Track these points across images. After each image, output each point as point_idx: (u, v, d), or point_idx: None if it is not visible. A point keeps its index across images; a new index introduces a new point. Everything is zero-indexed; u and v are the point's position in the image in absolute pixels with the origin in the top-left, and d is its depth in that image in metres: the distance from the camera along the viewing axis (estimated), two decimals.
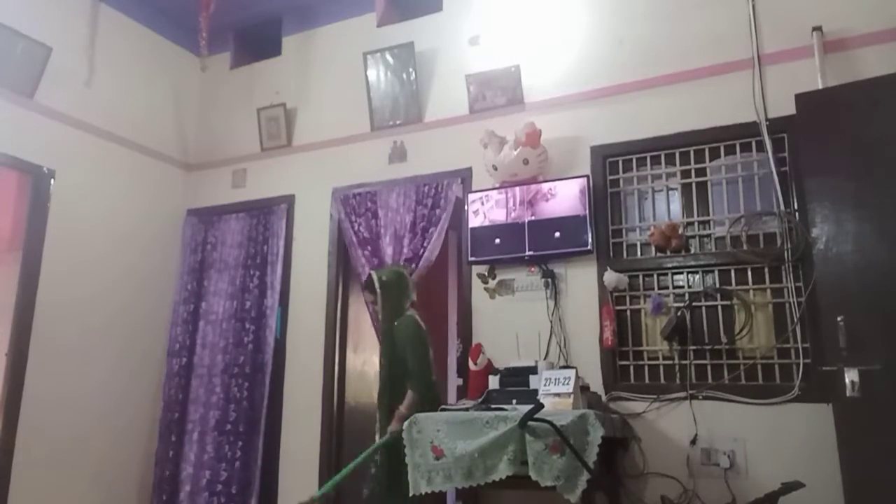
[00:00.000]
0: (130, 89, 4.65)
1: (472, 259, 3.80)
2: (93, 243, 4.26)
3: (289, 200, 4.57)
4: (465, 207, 3.87)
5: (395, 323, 3.45)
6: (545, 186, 3.67)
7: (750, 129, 3.34)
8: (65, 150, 4.16)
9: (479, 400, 3.17)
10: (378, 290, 3.51)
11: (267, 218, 4.60)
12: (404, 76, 4.27)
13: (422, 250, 3.91)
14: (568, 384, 2.91)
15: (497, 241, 3.73)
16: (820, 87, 3.13)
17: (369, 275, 3.63)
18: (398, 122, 4.31)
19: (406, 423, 2.96)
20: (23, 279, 3.88)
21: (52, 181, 4.06)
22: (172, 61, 4.97)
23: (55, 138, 4.11)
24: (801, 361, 3.08)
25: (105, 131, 4.43)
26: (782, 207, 3.23)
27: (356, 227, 4.22)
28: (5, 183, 4.18)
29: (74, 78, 4.28)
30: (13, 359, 3.79)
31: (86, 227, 4.22)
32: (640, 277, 3.50)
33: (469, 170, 3.99)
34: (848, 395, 2.60)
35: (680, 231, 3.42)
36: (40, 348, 3.88)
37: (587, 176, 3.61)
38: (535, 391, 2.98)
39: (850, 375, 2.60)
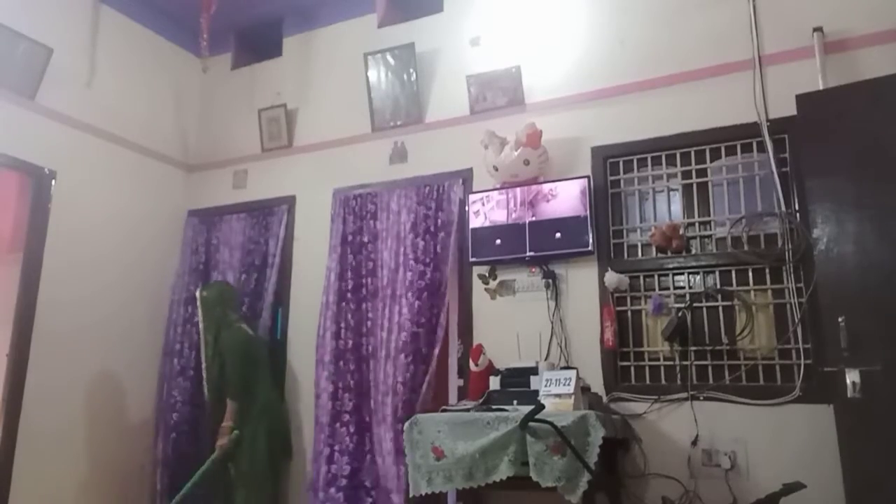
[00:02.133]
0: (131, 90, 4.65)
1: (473, 260, 3.80)
2: (94, 244, 4.26)
3: (289, 201, 4.57)
4: (466, 208, 3.87)
5: (221, 335, 3.93)
6: (546, 187, 3.67)
7: (751, 130, 3.34)
8: (66, 151, 4.16)
9: (480, 401, 3.17)
10: (199, 305, 4.01)
11: (268, 219, 4.60)
12: (405, 77, 4.27)
13: (434, 254, 3.91)
14: (569, 385, 2.91)
15: (498, 241, 3.73)
16: (821, 87, 3.13)
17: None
18: (399, 123, 4.31)
19: (407, 424, 2.96)
20: (24, 280, 3.88)
21: (53, 182, 4.06)
22: (173, 62, 4.98)
23: (56, 139, 4.12)
24: (803, 362, 3.08)
25: (106, 132, 4.43)
26: (783, 208, 3.22)
27: (357, 228, 4.22)
28: (6, 184, 4.19)
29: (75, 79, 4.28)
30: (14, 359, 3.79)
31: (87, 227, 4.22)
32: (641, 278, 3.50)
33: (470, 170, 3.99)
34: (849, 395, 2.60)
35: (681, 232, 3.42)
36: (41, 349, 3.88)
37: (588, 176, 3.61)
38: (536, 392, 2.98)
39: (852, 376, 2.60)
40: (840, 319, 2.66)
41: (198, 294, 4.03)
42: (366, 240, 4.19)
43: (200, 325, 4.03)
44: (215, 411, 3.95)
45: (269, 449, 3.81)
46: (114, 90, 4.52)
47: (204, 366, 4.05)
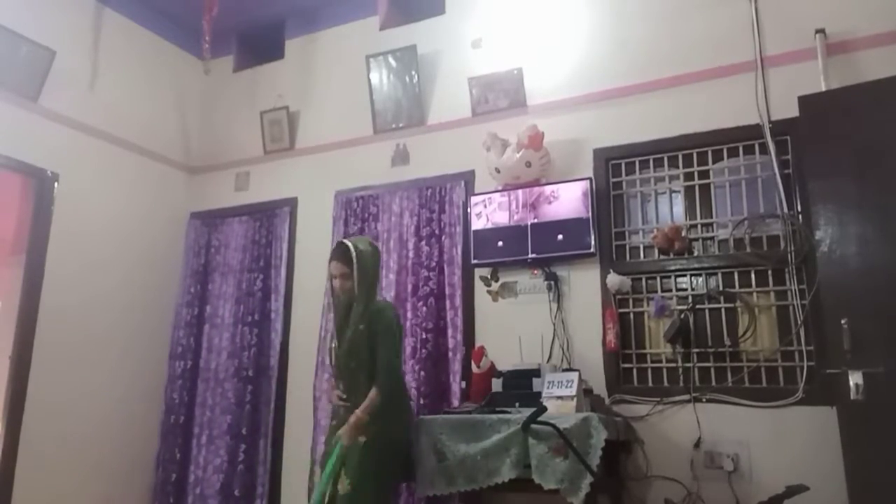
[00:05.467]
0: (134, 92, 4.66)
1: (475, 262, 3.80)
2: (96, 246, 4.27)
3: (291, 203, 4.57)
4: (468, 210, 3.87)
5: (371, 307, 2.99)
6: (548, 189, 3.67)
7: (753, 132, 3.34)
8: (68, 153, 4.17)
9: (482, 403, 3.17)
10: (354, 262, 2.99)
11: (270, 221, 4.60)
12: (407, 79, 4.28)
13: (437, 257, 3.91)
14: (571, 387, 2.91)
15: (500, 243, 3.73)
16: (823, 89, 3.12)
17: (340, 243, 3.12)
18: (401, 125, 4.31)
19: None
20: (26, 282, 3.89)
21: (56, 184, 4.07)
22: (176, 64, 4.98)
23: (59, 141, 4.13)
24: (805, 364, 3.07)
25: (108, 134, 4.44)
26: (786, 210, 3.22)
27: (358, 230, 4.22)
28: (9, 186, 4.18)
29: (78, 81, 4.29)
30: (16, 362, 3.80)
31: (89, 229, 4.23)
32: (643, 280, 3.50)
33: (472, 172, 3.99)
34: (852, 397, 2.59)
35: (683, 233, 3.42)
36: (44, 351, 3.88)
37: (590, 178, 3.61)
38: (538, 394, 2.98)
39: (855, 378, 2.59)
40: (843, 321, 2.65)
41: (351, 248, 3.00)
42: None
43: (354, 287, 2.99)
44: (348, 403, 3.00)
45: (392, 465, 2.93)
46: (116, 92, 4.53)
47: (333, 346, 3.08)
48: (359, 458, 2.81)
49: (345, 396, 3.01)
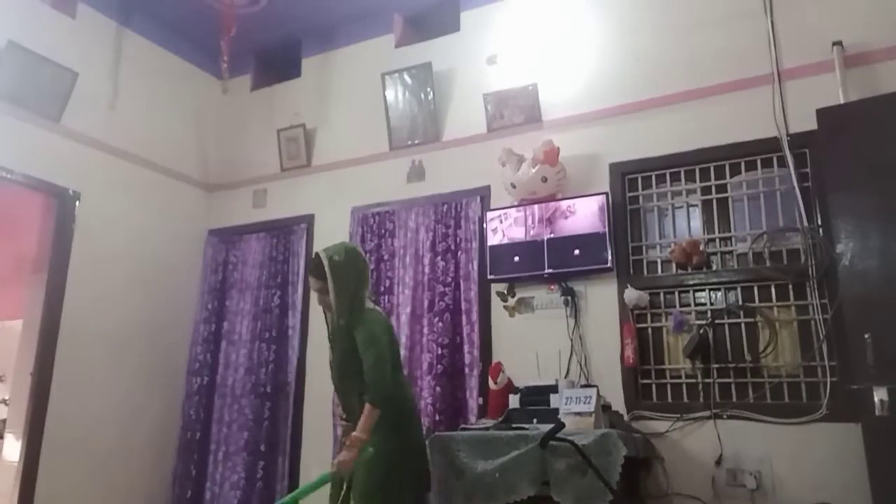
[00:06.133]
0: (154, 112, 4.73)
1: (492, 277, 3.79)
2: (116, 264, 4.32)
3: (308, 220, 4.60)
4: (484, 225, 3.87)
5: (355, 319, 2.82)
6: (564, 204, 3.66)
7: (771, 145, 3.31)
8: (90, 172, 4.24)
9: (500, 419, 3.15)
10: (328, 274, 2.83)
11: (287, 238, 4.63)
12: (422, 96, 4.31)
13: (454, 273, 3.92)
14: (589, 403, 2.88)
15: (516, 258, 3.72)
16: (841, 101, 3.10)
17: (316, 255, 2.96)
18: (416, 142, 4.34)
19: (427, 444, 2.92)
20: (48, 300, 3.94)
21: (77, 203, 4.14)
22: (194, 84, 5.06)
23: (80, 161, 4.19)
24: (829, 380, 3.02)
25: (129, 154, 4.51)
26: (805, 223, 3.19)
27: (375, 246, 4.24)
28: (32, 205, 4.26)
29: (99, 102, 4.37)
30: (38, 378, 3.84)
31: (109, 247, 4.28)
32: (662, 295, 3.47)
33: (487, 188, 4.00)
34: (877, 413, 2.54)
35: (701, 248, 3.39)
36: (64, 368, 3.92)
37: (606, 193, 3.60)
38: (556, 410, 2.96)
39: (879, 394, 2.55)
40: (866, 336, 2.61)
41: (324, 259, 2.86)
42: (384, 257, 4.21)
43: (332, 301, 2.84)
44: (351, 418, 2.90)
45: (405, 480, 2.76)
46: (136, 112, 4.60)
47: (331, 359, 2.98)
48: (363, 476, 2.68)
49: (345, 416, 2.91)
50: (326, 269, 2.84)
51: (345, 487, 2.75)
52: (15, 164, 3.86)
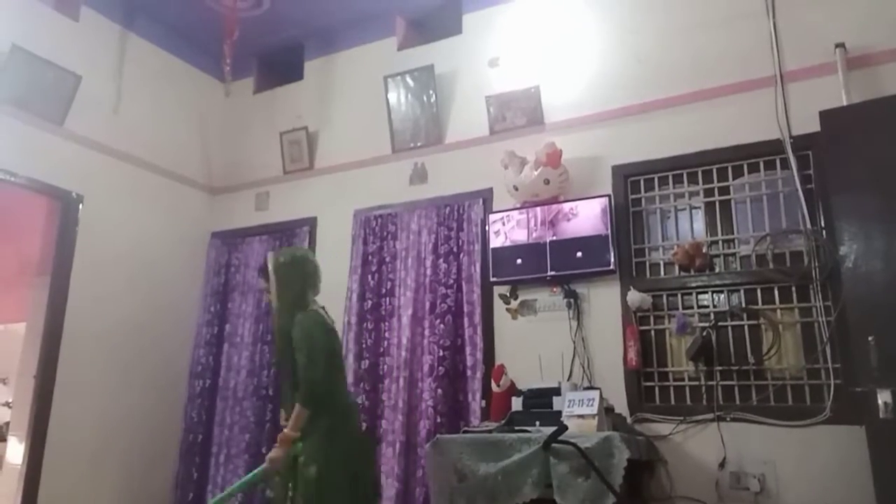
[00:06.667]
0: (157, 115, 4.74)
1: (494, 279, 3.79)
2: (119, 266, 4.32)
3: (311, 222, 4.61)
4: (487, 228, 3.87)
5: (293, 319, 2.87)
6: (566, 206, 3.66)
7: (774, 147, 3.31)
8: (93, 175, 4.24)
9: (503, 422, 3.14)
10: (272, 275, 2.95)
11: (289, 240, 4.63)
12: (425, 98, 4.31)
13: (456, 275, 3.92)
14: (592, 405, 2.88)
15: (519, 261, 3.72)
16: (844, 103, 3.10)
17: (265, 257, 3.09)
18: (419, 144, 4.34)
19: (428, 446, 2.92)
20: (51, 303, 3.95)
21: (81, 206, 4.15)
22: (197, 87, 5.07)
23: (84, 164, 4.20)
24: (832, 382, 3.01)
25: (132, 156, 4.52)
26: (809, 225, 3.18)
27: (377, 249, 4.24)
28: (35, 208, 4.27)
29: (103, 105, 4.38)
30: (41, 381, 3.84)
31: (113, 250, 4.29)
32: (664, 297, 3.47)
33: (490, 190, 4.00)
34: (881, 416, 2.54)
35: (704, 250, 3.39)
36: (67, 370, 3.93)
37: (609, 195, 3.59)
38: (559, 413, 2.95)
39: (883, 396, 2.54)
40: (870, 338, 2.60)
41: (270, 261, 2.98)
42: (386, 260, 4.21)
43: (273, 304, 2.96)
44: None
45: (339, 482, 2.75)
46: (140, 115, 4.61)
47: (274, 360, 3.04)
48: (304, 482, 2.70)
49: (286, 417, 2.84)
50: (270, 270, 2.95)
51: (291, 490, 2.76)
52: (18, 167, 3.87)
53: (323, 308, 3.02)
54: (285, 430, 2.75)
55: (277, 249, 3.00)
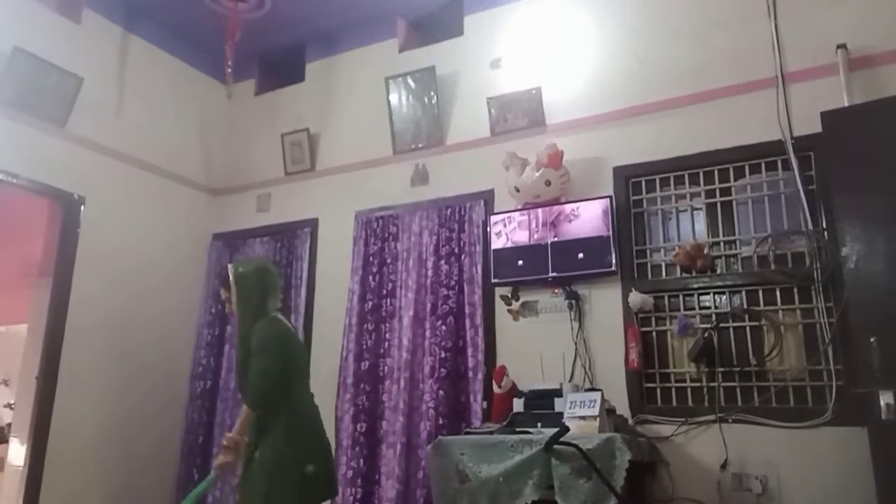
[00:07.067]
0: (158, 117, 4.75)
1: (495, 281, 3.79)
2: (121, 268, 4.33)
3: (312, 224, 4.61)
4: (488, 229, 3.87)
5: (253, 327, 2.94)
6: (568, 207, 3.66)
7: (775, 148, 3.31)
8: (95, 177, 4.25)
9: (504, 423, 3.14)
10: (232, 285, 3.03)
11: (291, 241, 4.64)
12: (426, 100, 4.31)
13: (457, 277, 3.92)
14: (593, 407, 2.87)
15: (520, 262, 3.72)
16: (846, 104, 3.09)
17: (226, 267, 3.18)
18: (420, 146, 4.34)
19: (430, 447, 2.92)
20: (53, 304, 3.95)
21: (82, 207, 4.15)
22: (199, 89, 5.08)
23: (85, 166, 4.21)
24: (834, 383, 3.01)
25: (134, 158, 4.52)
26: (810, 226, 3.18)
27: (378, 250, 4.24)
28: (37, 209, 4.28)
29: (105, 107, 4.39)
30: (43, 382, 3.84)
31: (114, 251, 4.29)
32: (666, 298, 3.46)
33: (491, 192, 4.00)
34: (883, 417, 2.53)
35: (705, 251, 3.38)
36: (69, 372, 3.93)
37: (610, 196, 3.59)
38: (561, 414, 2.94)
39: (885, 398, 2.53)
40: (872, 339, 2.59)
41: (231, 271, 3.07)
42: (388, 261, 4.21)
43: (235, 310, 3.06)
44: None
45: (300, 483, 2.78)
46: (141, 117, 4.62)
47: (237, 365, 3.13)
48: (256, 481, 2.76)
49: None
50: (231, 280, 3.04)
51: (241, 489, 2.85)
52: (20, 168, 3.87)
53: (280, 312, 3.11)
54: (229, 434, 2.84)
55: (236, 259, 3.07)
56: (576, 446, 2.56)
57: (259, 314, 2.99)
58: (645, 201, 3.64)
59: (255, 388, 2.83)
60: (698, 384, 3.28)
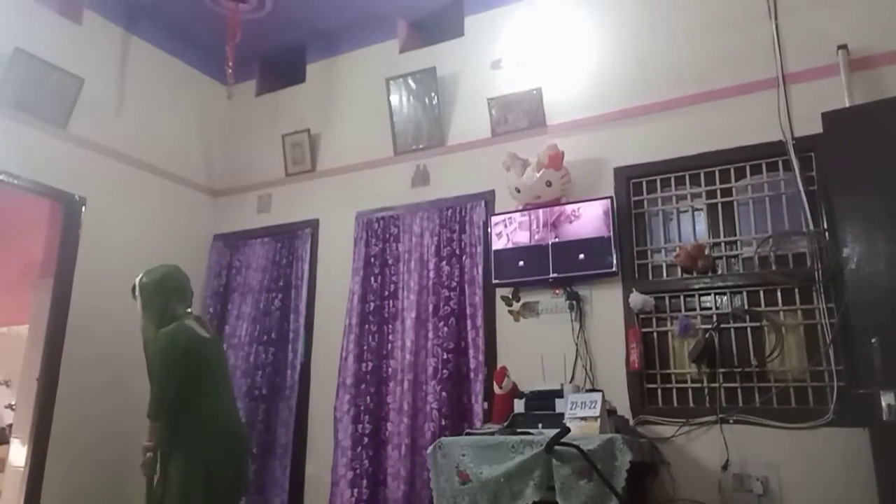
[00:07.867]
0: (159, 118, 4.75)
1: (496, 281, 3.79)
2: (122, 269, 4.27)
3: (313, 225, 4.61)
4: (489, 230, 3.87)
5: (155, 335, 3.05)
6: (569, 208, 3.66)
7: (776, 149, 3.31)
8: (95, 177, 4.25)
9: (505, 424, 3.14)
10: (137, 294, 3.15)
11: (291, 242, 4.64)
12: (427, 100, 4.31)
13: (458, 277, 3.92)
14: (594, 408, 2.87)
15: (521, 263, 3.72)
16: (847, 105, 3.09)
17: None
18: (421, 146, 4.34)
19: (431, 448, 2.93)
20: (54, 305, 3.95)
21: (83, 208, 4.15)
22: (200, 90, 5.08)
23: (86, 166, 4.21)
24: (836, 384, 3.00)
25: (134, 159, 4.52)
26: (811, 227, 3.18)
27: (379, 251, 4.24)
28: (38, 210, 4.28)
29: (105, 108, 4.39)
30: (44, 383, 3.84)
31: (115, 252, 4.28)
32: (667, 299, 3.46)
33: (492, 192, 4.00)
34: (885, 418, 2.53)
35: (706, 252, 3.38)
36: (70, 373, 3.93)
37: (611, 197, 3.59)
38: (562, 415, 2.94)
39: (887, 399, 2.53)
40: (873, 340, 2.59)
41: (136, 282, 3.19)
42: (389, 262, 4.21)
43: (142, 320, 3.16)
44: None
45: (206, 486, 2.90)
46: (142, 118, 4.62)
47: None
48: (163, 486, 2.95)
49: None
50: (136, 290, 3.18)
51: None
52: (21, 169, 3.87)
53: (198, 318, 3.20)
54: (144, 443, 3.00)
55: (145, 270, 3.28)
56: (577, 447, 2.56)
57: (163, 322, 3.07)
58: (646, 202, 3.64)
59: (150, 399, 2.99)
60: (699, 385, 3.28)
